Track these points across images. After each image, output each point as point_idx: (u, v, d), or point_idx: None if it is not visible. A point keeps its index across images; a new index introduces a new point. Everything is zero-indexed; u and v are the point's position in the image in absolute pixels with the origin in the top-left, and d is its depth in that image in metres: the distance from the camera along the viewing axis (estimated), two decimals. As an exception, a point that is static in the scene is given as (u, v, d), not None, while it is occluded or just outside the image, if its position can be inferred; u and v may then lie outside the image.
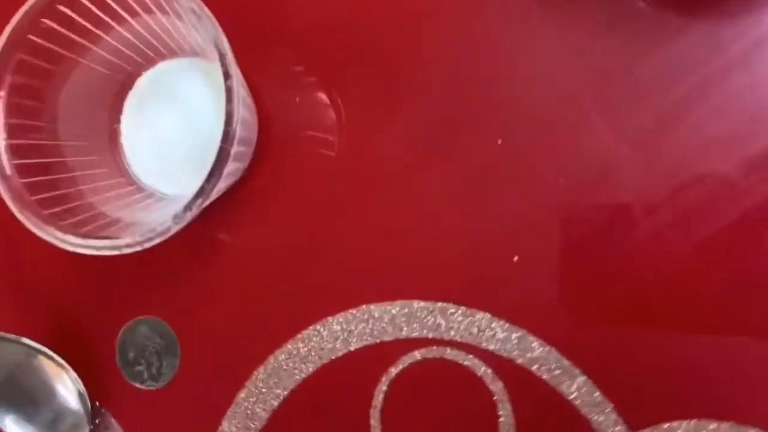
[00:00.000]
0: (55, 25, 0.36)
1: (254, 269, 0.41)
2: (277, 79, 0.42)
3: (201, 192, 0.33)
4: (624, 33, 0.37)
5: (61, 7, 0.36)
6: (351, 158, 0.40)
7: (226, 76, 0.33)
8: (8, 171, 0.35)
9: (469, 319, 0.38)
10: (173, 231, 0.34)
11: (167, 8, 0.36)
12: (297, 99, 0.41)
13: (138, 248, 0.34)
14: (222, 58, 0.33)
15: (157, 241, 0.34)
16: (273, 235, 0.41)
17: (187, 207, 0.33)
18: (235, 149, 0.34)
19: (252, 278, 0.41)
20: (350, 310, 0.39)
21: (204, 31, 0.33)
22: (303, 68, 0.43)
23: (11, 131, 0.36)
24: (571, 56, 0.38)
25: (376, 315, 0.39)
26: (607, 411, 0.37)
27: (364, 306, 0.39)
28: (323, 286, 0.40)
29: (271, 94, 0.42)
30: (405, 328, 0.39)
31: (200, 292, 0.41)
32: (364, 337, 0.39)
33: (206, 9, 0.33)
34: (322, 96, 0.42)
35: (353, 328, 0.39)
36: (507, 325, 0.38)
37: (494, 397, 0.38)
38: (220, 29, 0.33)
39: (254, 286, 0.41)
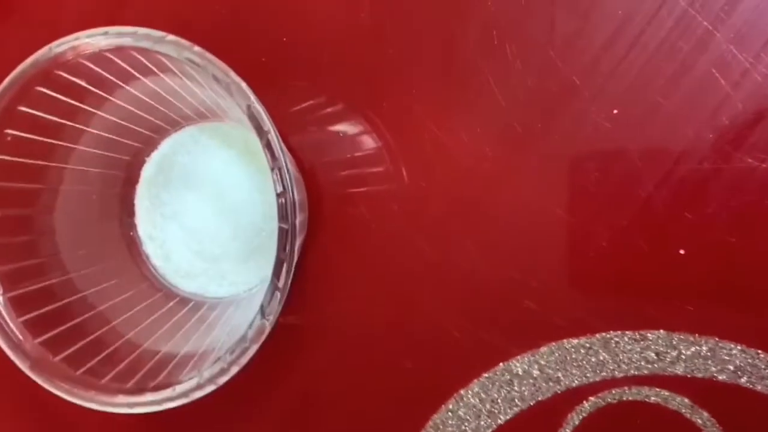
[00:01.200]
0: (20, 133, 0.28)
1: (347, 352, 0.32)
2: (302, 117, 0.34)
3: (276, 287, 0.25)
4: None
5: (24, 108, 0.27)
6: (415, 183, 0.31)
7: (273, 156, 0.24)
8: (18, 334, 0.27)
9: (641, 344, 0.30)
10: (254, 348, 0.25)
11: (153, 68, 0.28)
12: (340, 133, 0.32)
13: (211, 387, 0.25)
14: (262, 134, 0.25)
15: (234, 370, 0.25)
16: (356, 304, 0.32)
17: (266, 311, 0.25)
18: (298, 219, 0.25)
19: (349, 364, 0.32)
20: (484, 375, 0.31)
21: (231, 101, 0.25)
22: (325, 98, 0.34)
23: (6, 281, 0.27)
24: None
25: (520, 371, 0.30)
26: None
27: (500, 364, 0.31)
28: (438, 352, 0.31)
29: (299, 135, 0.33)
30: (562, 378, 0.30)
31: (291, 402, 0.32)
32: (514, 402, 0.31)
33: (233, 74, 0.25)
34: (357, 122, 0.33)
35: (495, 395, 0.31)
36: (691, 337, 0.29)
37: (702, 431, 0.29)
38: (253, 97, 0.25)
39: (354, 373, 0.32)
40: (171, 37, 0.25)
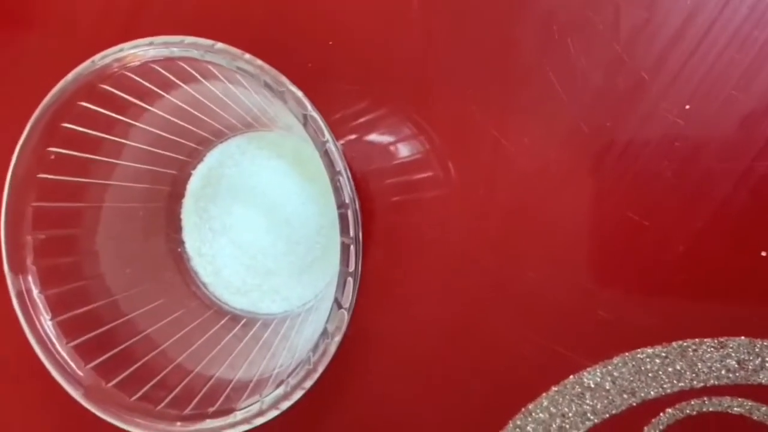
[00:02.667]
0: (63, 150, 0.27)
1: (409, 368, 0.30)
2: (349, 122, 0.32)
3: (340, 306, 0.23)
4: None
5: (67, 125, 0.26)
6: (474, 190, 0.30)
7: (333, 167, 0.23)
8: (69, 361, 0.26)
9: (721, 352, 0.28)
10: (319, 371, 0.24)
11: (199, 77, 0.26)
12: (390, 147, 0.31)
13: (274, 413, 0.24)
14: (321, 145, 0.23)
15: (298, 395, 0.24)
16: (416, 318, 0.31)
17: (330, 332, 0.23)
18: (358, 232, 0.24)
19: (411, 381, 0.31)
20: (553, 388, 0.29)
21: (285, 110, 0.23)
22: (372, 101, 0.32)
23: (54, 306, 0.26)
24: None
25: (592, 384, 0.29)
26: None
27: (571, 377, 0.29)
28: (505, 365, 0.30)
29: (346, 141, 0.32)
30: (637, 390, 0.29)
31: (354, 420, 0.31)
32: (586, 416, 0.29)
33: (288, 82, 0.23)
34: (405, 126, 0.32)
35: (566, 410, 0.29)
36: (775, 344, 0.27)
37: (790, 444, 0.28)
38: (310, 106, 0.24)
39: (418, 390, 0.31)
40: (220, 45, 0.24)
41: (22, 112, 0.27)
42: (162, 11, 0.32)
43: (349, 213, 0.23)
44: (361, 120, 0.32)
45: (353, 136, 0.32)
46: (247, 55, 0.24)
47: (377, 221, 0.32)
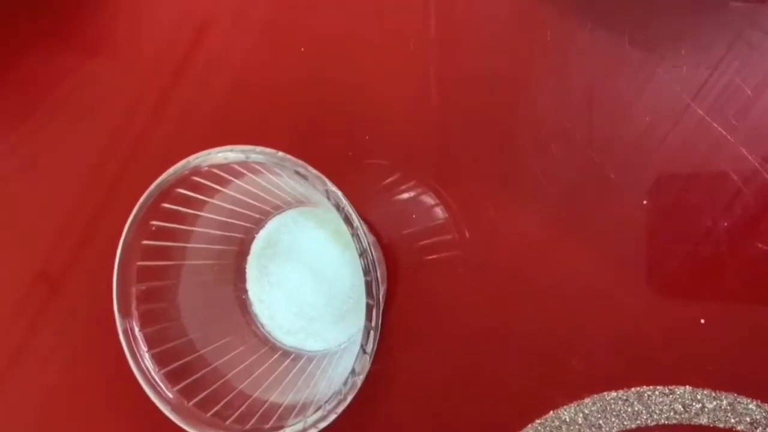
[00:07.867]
0: (160, 223, 0.35)
1: (421, 395, 0.38)
2: (379, 192, 0.40)
3: (364, 351, 0.31)
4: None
5: (165, 205, 0.34)
6: (480, 249, 0.38)
7: (351, 225, 0.31)
8: (160, 384, 0.34)
9: (670, 397, 0.35)
10: (348, 400, 0.31)
11: (263, 171, 0.34)
12: (413, 216, 0.39)
13: (313, 430, 0.32)
14: (340, 210, 0.31)
15: (332, 417, 0.32)
16: (429, 357, 0.39)
17: (356, 371, 0.31)
18: (381, 289, 0.32)
19: (422, 406, 0.38)
20: (536, 421, 0.37)
21: (312, 187, 0.31)
22: (400, 174, 0.40)
23: (150, 341, 0.35)
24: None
25: (567, 418, 0.36)
26: None
27: (551, 412, 0.36)
28: (498, 400, 0.37)
29: (378, 210, 0.40)
30: (603, 425, 0.36)
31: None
32: (562, 445, 0.36)
33: (311, 168, 0.31)
34: (427, 197, 0.40)
35: (546, 438, 0.36)
36: (712, 393, 0.34)
37: (724, 474, 0.34)
38: (328, 182, 0.32)
39: (427, 414, 0.38)
40: (277, 152, 0.32)
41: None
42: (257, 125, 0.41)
43: (372, 280, 0.31)
44: (392, 192, 0.40)
45: (384, 208, 0.40)
46: (289, 156, 0.32)
47: (401, 278, 0.39)
